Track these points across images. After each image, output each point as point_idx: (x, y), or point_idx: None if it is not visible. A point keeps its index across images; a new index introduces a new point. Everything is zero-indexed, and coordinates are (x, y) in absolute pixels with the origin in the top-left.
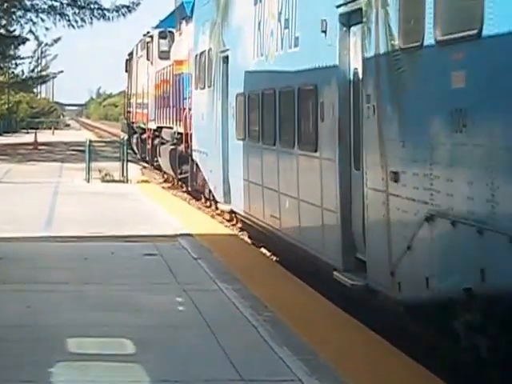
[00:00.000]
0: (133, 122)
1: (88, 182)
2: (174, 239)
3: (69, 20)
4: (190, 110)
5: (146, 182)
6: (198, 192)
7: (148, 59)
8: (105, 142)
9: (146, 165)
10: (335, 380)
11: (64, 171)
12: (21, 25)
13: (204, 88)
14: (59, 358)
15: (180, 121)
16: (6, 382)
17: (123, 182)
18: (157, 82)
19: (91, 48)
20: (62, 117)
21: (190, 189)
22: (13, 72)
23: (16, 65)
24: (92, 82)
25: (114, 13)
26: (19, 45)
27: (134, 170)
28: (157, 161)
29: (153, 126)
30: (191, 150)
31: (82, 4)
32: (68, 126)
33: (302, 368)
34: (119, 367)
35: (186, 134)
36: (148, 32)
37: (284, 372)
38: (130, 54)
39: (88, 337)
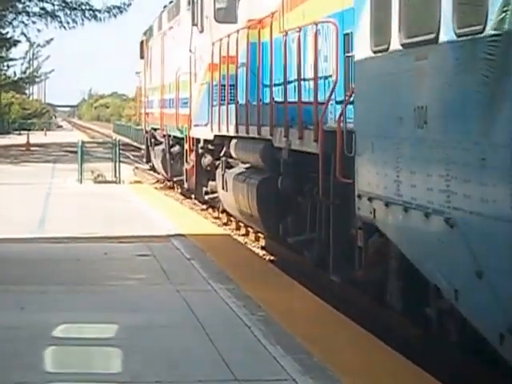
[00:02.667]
0: (154, 129)
1: (80, 182)
2: (167, 240)
3: (60, 21)
4: (336, 102)
5: (139, 182)
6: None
7: (194, 24)
8: (97, 142)
9: (139, 165)
10: (329, 378)
11: (56, 172)
12: (13, 27)
13: (424, 44)
14: (53, 358)
15: (295, 129)
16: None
17: (116, 182)
18: (214, 61)
19: (83, 50)
20: (54, 118)
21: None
22: (5, 74)
23: (8, 67)
24: (84, 83)
25: (106, 14)
26: (11, 47)
27: (126, 170)
28: (209, 192)
29: (205, 134)
30: (355, 198)
31: (74, 5)
32: (60, 127)
33: (296, 367)
34: (112, 367)
35: (325, 157)
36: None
37: (278, 371)
38: (148, 32)
39: (82, 337)
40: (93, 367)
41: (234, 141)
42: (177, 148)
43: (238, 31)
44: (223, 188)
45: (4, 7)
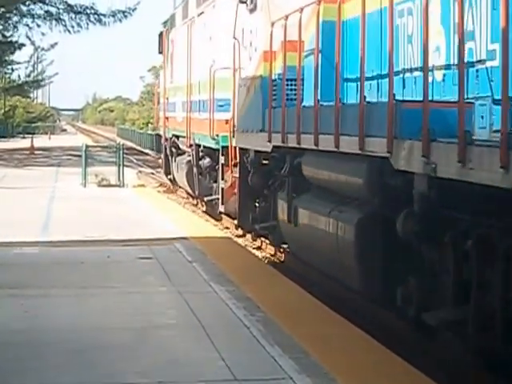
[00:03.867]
0: (177, 136)
1: (84, 186)
2: (169, 242)
3: (65, 25)
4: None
5: (142, 186)
6: None
7: (243, 1)
8: (101, 146)
9: (142, 169)
10: (325, 377)
11: (60, 176)
12: (17, 30)
13: None
14: (58, 361)
15: (447, 144)
16: None
17: (119, 186)
18: (274, 48)
19: (87, 54)
20: (58, 122)
21: None
22: (9, 77)
23: (12, 70)
24: (88, 87)
25: (110, 18)
26: (15, 50)
27: (130, 174)
28: (258, 220)
29: (257, 144)
30: None
31: (79, 9)
32: (64, 130)
33: (293, 366)
34: (114, 366)
35: None
36: None
37: (275, 371)
38: (169, 22)
39: (85, 340)
40: (92, 365)
41: (308, 155)
42: (207, 161)
43: (319, 2)
44: (289, 220)
45: (8, 9)
